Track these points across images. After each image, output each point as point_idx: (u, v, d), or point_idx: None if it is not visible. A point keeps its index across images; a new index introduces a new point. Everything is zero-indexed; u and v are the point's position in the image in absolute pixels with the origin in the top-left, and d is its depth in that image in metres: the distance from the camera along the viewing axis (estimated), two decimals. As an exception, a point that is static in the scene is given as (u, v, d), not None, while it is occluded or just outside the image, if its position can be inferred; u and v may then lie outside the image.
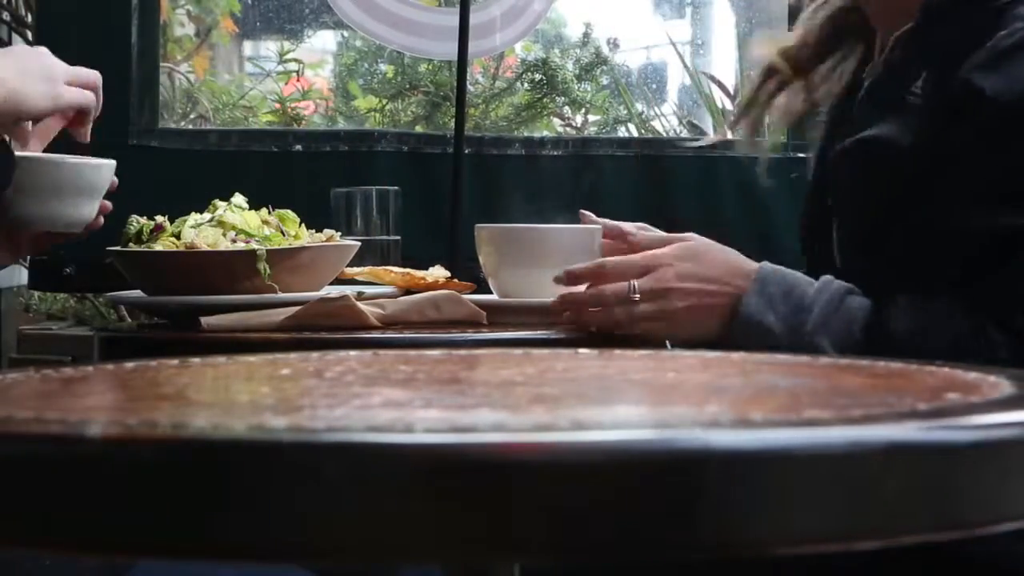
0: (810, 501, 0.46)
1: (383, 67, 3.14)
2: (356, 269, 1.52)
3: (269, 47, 3.39)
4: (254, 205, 1.47)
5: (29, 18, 2.98)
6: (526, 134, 2.94)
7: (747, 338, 1.20)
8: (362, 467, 0.44)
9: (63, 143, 1.36)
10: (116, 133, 2.02)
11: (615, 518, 0.44)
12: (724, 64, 3.35)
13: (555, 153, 2.28)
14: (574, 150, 2.31)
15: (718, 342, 1.23)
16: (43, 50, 1.29)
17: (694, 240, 1.27)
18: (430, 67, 2.97)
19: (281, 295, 1.37)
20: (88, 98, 1.31)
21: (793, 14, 2.56)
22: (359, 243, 1.51)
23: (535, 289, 1.40)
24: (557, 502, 0.44)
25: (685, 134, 3.14)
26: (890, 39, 1.27)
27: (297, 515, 0.44)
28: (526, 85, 3.01)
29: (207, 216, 1.44)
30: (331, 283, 1.47)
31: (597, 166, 2.27)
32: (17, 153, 1.27)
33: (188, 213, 1.45)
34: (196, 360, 0.83)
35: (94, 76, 1.33)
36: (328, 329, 1.32)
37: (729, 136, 3.10)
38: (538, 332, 1.33)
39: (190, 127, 3.05)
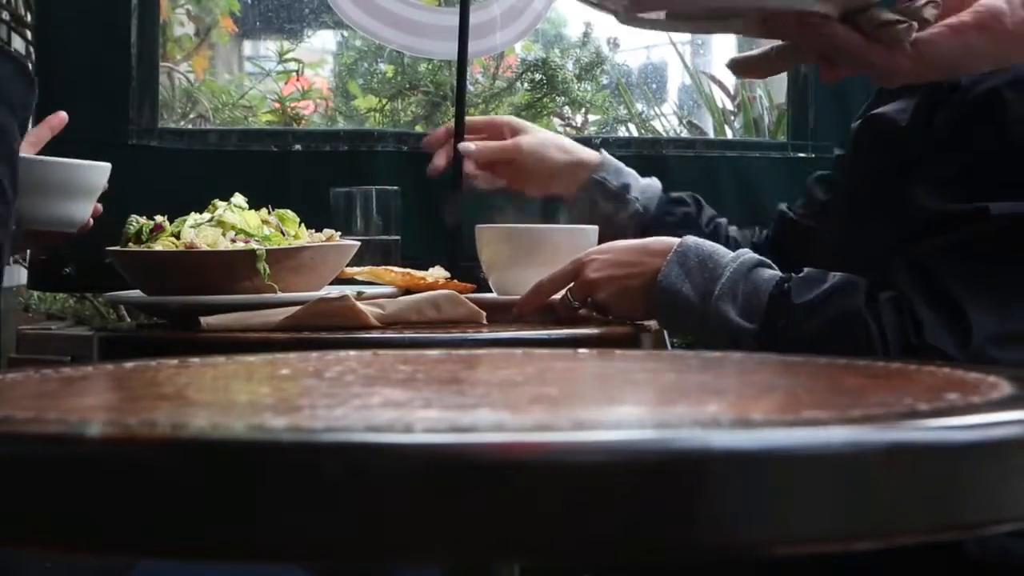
0: (810, 501, 0.46)
1: (383, 67, 3.14)
2: (356, 269, 1.52)
3: (269, 47, 3.39)
4: (254, 205, 1.47)
5: (29, 18, 2.98)
6: (526, 134, 2.93)
7: (667, 309, 1.25)
8: (362, 467, 0.44)
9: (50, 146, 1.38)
10: (116, 133, 2.02)
11: (615, 518, 0.44)
12: (724, 64, 3.35)
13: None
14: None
15: (648, 316, 1.31)
16: None
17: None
18: (430, 67, 2.97)
19: (281, 295, 1.37)
20: None
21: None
22: (359, 243, 1.51)
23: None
24: (557, 502, 0.44)
25: (685, 134, 3.14)
26: None
27: (297, 515, 0.44)
28: (526, 85, 3.01)
29: (207, 216, 1.44)
30: (331, 283, 1.47)
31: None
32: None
33: (188, 213, 1.45)
34: (196, 360, 0.83)
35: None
36: (328, 329, 1.32)
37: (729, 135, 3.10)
38: (538, 332, 1.33)
39: (190, 127, 3.05)
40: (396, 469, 0.44)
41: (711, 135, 3.08)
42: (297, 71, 3.15)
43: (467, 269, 1.61)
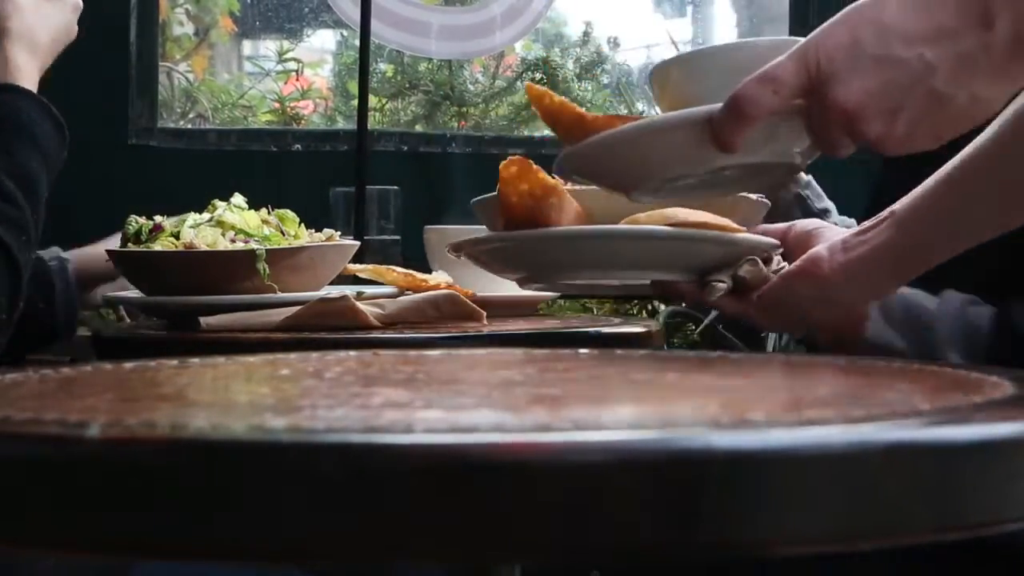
0: (811, 501, 0.46)
1: (383, 66, 3.14)
2: (358, 267, 1.52)
3: (268, 46, 3.39)
4: (254, 205, 1.47)
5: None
6: (526, 133, 2.94)
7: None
8: (362, 467, 0.44)
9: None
10: (115, 133, 2.02)
11: (615, 518, 0.44)
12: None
13: (556, 153, 2.28)
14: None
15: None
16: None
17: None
18: (430, 66, 2.97)
19: (281, 295, 1.37)
20: None
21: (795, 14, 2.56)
22: (359, 243, 1.51)
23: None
24: (557, 502, 0.44)
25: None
26: None
27: (297, 515, 0.44)
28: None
29: (206, 216, 1.44)
30: (332, 282, 1.47)
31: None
32: None
33: (187, 213, 1.45)
34: (195, 360, 0.82)
35: None
36: (328, 329, 1.32)
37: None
38: (538, 330, 1.33)
39: (189, 127, 3.05)
40: (396, 469, 0.44)
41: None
42: (297, 71, 3.15)
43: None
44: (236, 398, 0.68)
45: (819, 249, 1.05)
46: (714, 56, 0.97)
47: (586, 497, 0.44)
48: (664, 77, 1.01)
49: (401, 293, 1.47)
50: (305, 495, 0.43)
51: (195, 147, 2.18)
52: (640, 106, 3.22)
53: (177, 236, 1.43)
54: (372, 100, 3.05)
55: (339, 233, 1.50)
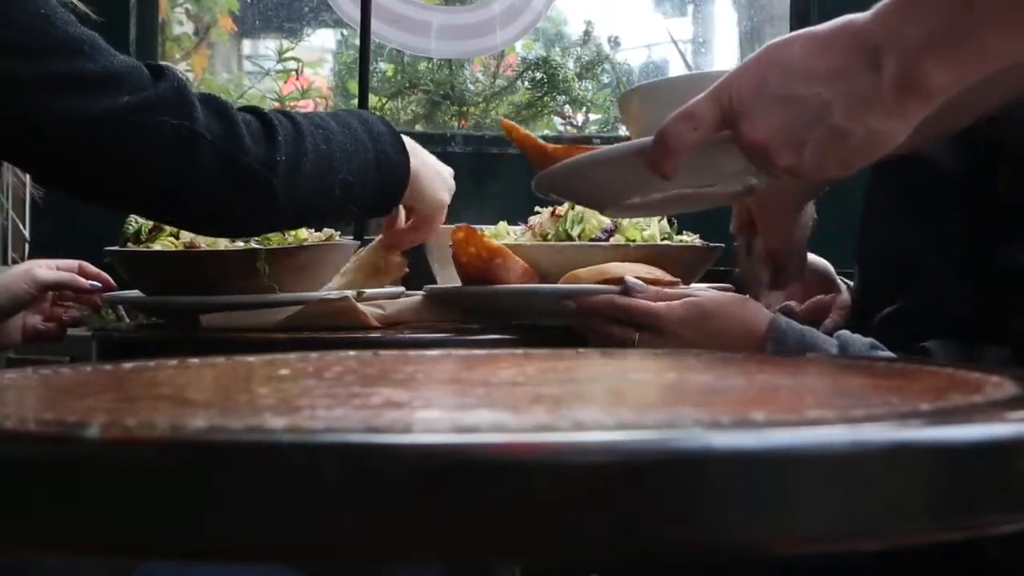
0: (811, 501, 0.46)
1: (383, 66, 3.14)
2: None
3: (268, 45, 3.38)
4: (253, 204, 1.46)
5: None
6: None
7: None
8: (361, 467, 0.44)
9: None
10: (115, 132, 2.01)
11: (615, 518, 0.44)
12: (726, 63, 3.35)
13: (555, 152, 2.28)
14: (575, 149, 2.30)
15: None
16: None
17: (700, 302, 1.24)
18: (430, 66, 2.97)
19: (281, 295, 1.36)
20: None
21: (796, 14, 2.56)
22: (359, 243, 1.51)
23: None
24: (557, 502, 0.43)
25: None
26: None
27: (297, 515, 0.44)
28: (527, 83, 3.00)
29: (206, 215, 1.44)
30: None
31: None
32: None
33: (187, 212, 1.45)
34: (195, 360, 0.82)
35: None
36: (328, 329, 1.32)
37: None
38: (538, 330, 1.33)
39: (189, 126, 3.04)
40: (396, 469, 0.44)
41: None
42: (296, 70, 3.15)
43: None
44: (235, 398, 0.68)
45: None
46: (673, 86, 1.02)
47: (586, 497, 0.44)
48: (628, 104, 1.07)
49: (401, 294, 1.47)
50: (305, 495, 0.43)
51: (195, 147, 2.17)
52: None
53: (177, 236, 1.43)
54: (372, 99, 3.04)
55: (339, 233, 1.49)
